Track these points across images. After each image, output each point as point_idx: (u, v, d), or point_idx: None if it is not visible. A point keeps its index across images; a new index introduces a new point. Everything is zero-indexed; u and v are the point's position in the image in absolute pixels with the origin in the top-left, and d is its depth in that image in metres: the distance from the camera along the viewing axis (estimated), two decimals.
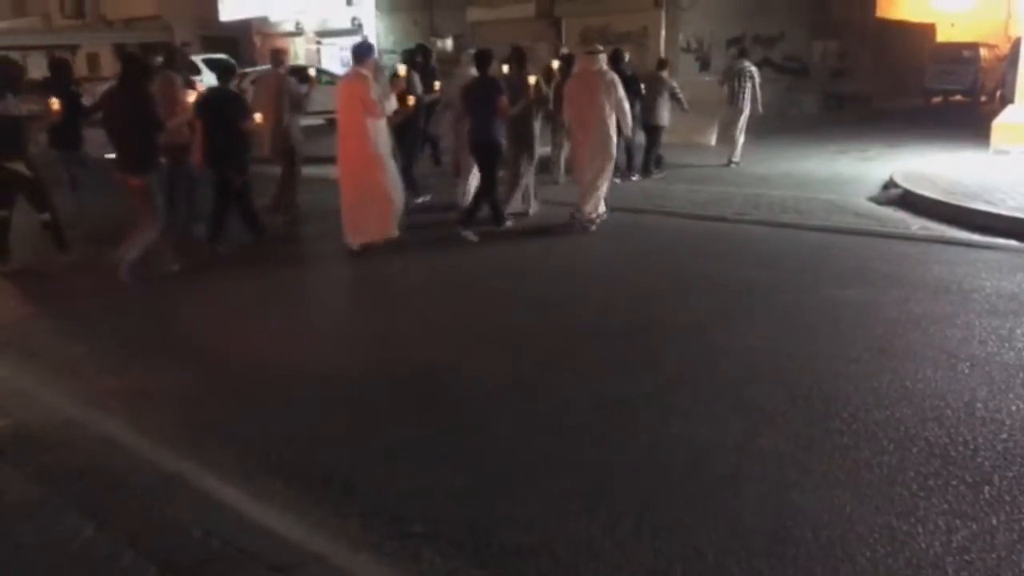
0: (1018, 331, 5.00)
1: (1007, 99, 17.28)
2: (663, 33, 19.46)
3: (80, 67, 36.63)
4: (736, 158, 12.48)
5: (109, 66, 33.10)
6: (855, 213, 8.63)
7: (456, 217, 8.37)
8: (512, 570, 2.82)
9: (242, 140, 7.59)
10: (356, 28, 27.27)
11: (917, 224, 8.11)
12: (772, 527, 3.02)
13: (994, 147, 12.67)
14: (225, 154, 7.49)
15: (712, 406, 4.06)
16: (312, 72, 10.51)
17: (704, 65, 20.04)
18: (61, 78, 8.84)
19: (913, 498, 3.19)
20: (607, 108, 7.96)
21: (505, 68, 9.08)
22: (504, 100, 7.99)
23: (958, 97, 27.31)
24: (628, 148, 10.67)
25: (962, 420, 3.83)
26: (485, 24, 23.04)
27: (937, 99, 27.43)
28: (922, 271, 6.44)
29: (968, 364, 4.51)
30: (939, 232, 7.74)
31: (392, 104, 7.69)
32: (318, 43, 29.04)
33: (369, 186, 7.41)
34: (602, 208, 8.41)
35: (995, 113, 16.88)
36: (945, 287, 5.99)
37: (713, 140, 14.27)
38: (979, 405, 3.99)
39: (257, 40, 31.29)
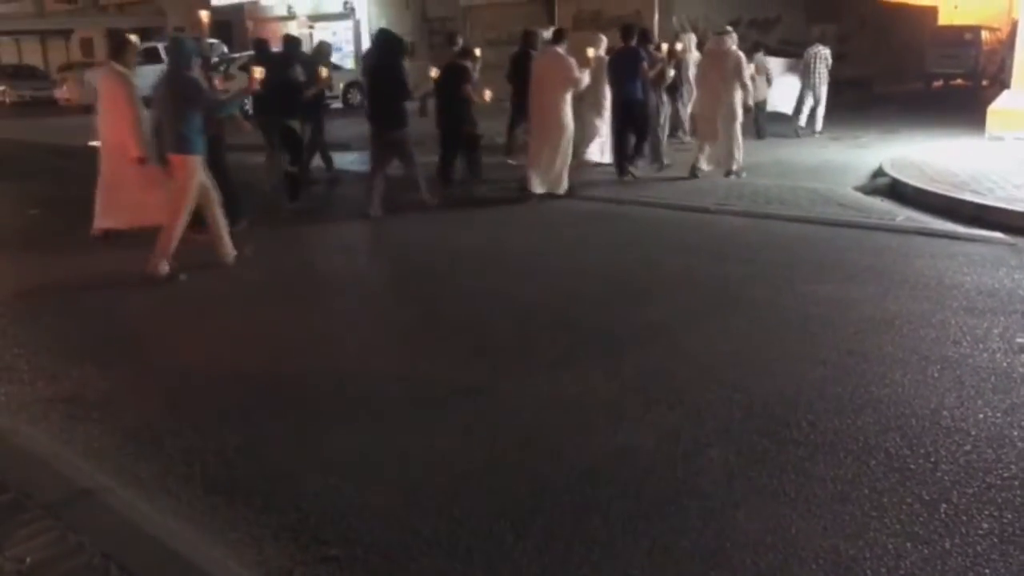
0: (994, 331, 4.79)
1: (1005, 84, 16.99)
2: (656, 17, 19.14)
3: (74, 51, 36.48)
4: (818, 127, 14.14)
5: (103, 50, 32.85)
6: (839, 203, 8.41)
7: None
8: None
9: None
10: (348, 12, 26.96)
11: (903, 215, 7.89)
12: (710, 551, 2.82)
13: (989, 133, 12.43)
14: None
15: (665, 414, 3.87)
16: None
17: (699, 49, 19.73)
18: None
19: (865, 518, 2.99)
20: (733, 81, 9.70)
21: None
22: (644, 66, 9.80)
23: (959, 81, 26.96)
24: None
25: (926, 430, 3.63)
26: (478, 8, 22.74)
27: (938, 83, 27.09)
28: (902, 265, 6.23)
29: (939, 367, 4.30)
30: (924, 223, 7.52)
31: (587, 77, 9.19)
32: (310, 27, 28.71)
33: (552, 147, 9.01)
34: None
35: (994, 97, 16.61)
36: (924, 282, 5.78)
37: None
38: (945, 413, 3.79)
39: (250, 24, 30.96)
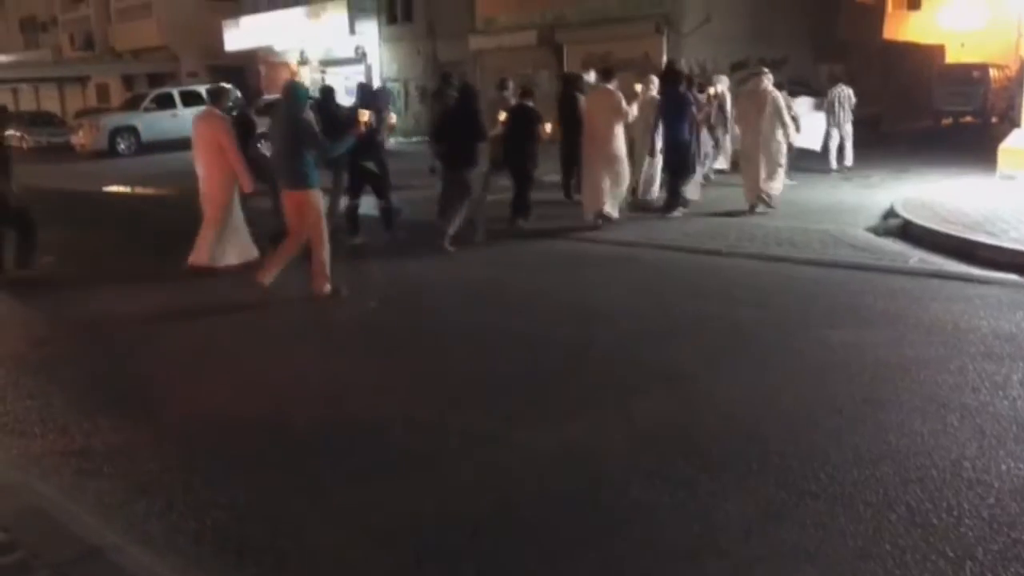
0: (1014, 377, 4.72)
1: (1015, 122, 17.01)
2: (664, 59, 19.30)
3: (90, 97, 37.12)
4: (848, 161, 14.53)
5: (118, 95, 33.42)
6: (852, 245, 8.37)
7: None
8: None
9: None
10: (360, 57, 27.35)
11: (916, 257, 7.85)
12: None
13: (1000, 172, 12.41)
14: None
15: (681, 466, 3.81)
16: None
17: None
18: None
19: None
20: (774, 119, 10.22)
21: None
22: (693, 111, 10.47)
23: (968, 118, 26.99)
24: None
25: (947, 482, 3.57)
26: (487, 52, 23.04)
27: (947, 120, 27.13)
28: (917, 309, 6.17)
29: (958, 415, 4.24)
30: (937, 265, 7.47)
31: (635, 110, 9.98)
32: (322, 72, 29.11)
33: (612, 174, 9.67)
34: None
35: (1004, 135, 16.62)
36: (940, 327, 5.72)
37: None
38: (967, 464, 3.72)
39: (262, 69, 31.45)
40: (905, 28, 38.48)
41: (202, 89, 26.63)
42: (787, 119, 10.44)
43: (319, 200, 7.08)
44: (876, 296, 6.55)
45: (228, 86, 8.54)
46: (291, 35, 28.66)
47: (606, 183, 9.74)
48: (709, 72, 20.39)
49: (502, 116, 10.01)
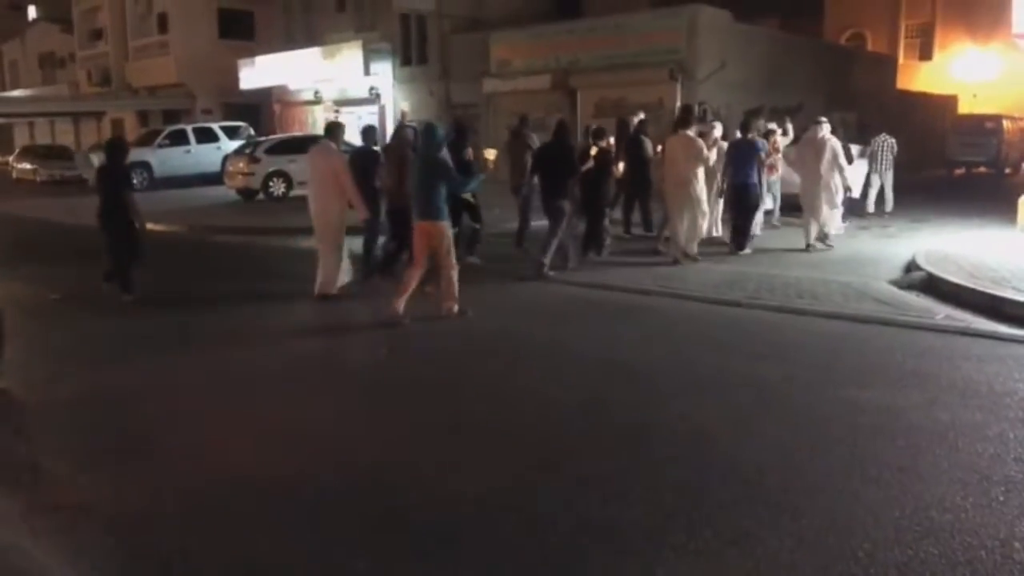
0: None
1: None
2: (678, 105, 19.29)
3: (105, 132, 37.37)
4: (888, 207, 15.15)
5: (133, 131, 33.65)
6: (875, 299, 8.15)
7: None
8: None
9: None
10: (374, 98, 27.47)
11: (942, 312, 7.62)
12: None
13: (1021, 225, 12.22)
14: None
15: (709, 540, 3.57)
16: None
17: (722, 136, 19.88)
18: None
19: None
20: (832, 165, 11.09)
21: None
22: (762, 156, 11.18)
23: (981, 169, 26.92)
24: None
25: (999, 566, 3.32)
26: (501, 95, 23.08)
27: (960, 171, 27.07)
28: (948, 369, 5.94)
29: (1003, 489, 3.99)
30: (965, 322, 7.24)
31: (714, 155, 10.72)
32: (336, 112, 29.24)
33: (692, 215, 10.24)
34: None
35: (1019, 185, 16.51)
36: (974, 389, 5.48)
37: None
38: (1017, 545, 3.47)
39: (277, 108, 31.64)
40: (918, 78, 38.64)
41: (215, 126, 26.85)
42: (844, 164, 11.38)
43: (449, 230, 7.75)
44: (904, 354, 6.32)
45: (342, 120, 9.91)
46: (306, 75, 28.84)
47: (686, 224, 10.31)
48: (723, 119, 20.45)
49: (593, 150, 10.48)
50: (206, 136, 25.82)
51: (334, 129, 9.24)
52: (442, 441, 4.91)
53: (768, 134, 12.58)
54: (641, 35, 20.68)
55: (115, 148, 9.10)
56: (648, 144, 12.23)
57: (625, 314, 8.10)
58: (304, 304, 8.73)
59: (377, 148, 10.11)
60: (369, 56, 26.80)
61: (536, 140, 11.54)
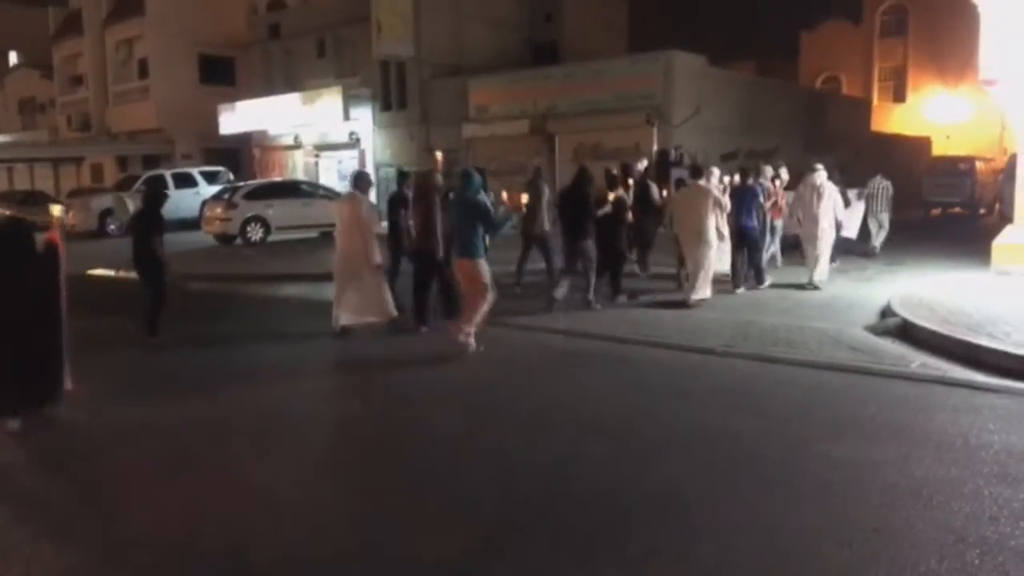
0: None
1: (1006, 215, 17.08)
2: (655, 149, 19.44)
3: (84, 177, 37.27)
4: (877, 245, 15.58)
5: (113, 176, 33.56)
6: (850, 346, 8.10)
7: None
8: None
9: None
10: (354, 142, 27.56)
11: (917, 360, 7.56)
12: None
13: (995, 268, 12.28)
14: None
15: None
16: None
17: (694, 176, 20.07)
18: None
19: None
20: (830, 209, 11.81)
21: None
22: (761, 200, 12.01)
23: (957, 209, 27.23)
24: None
25: None
26: (480, 140, 23.20)
27: (936, 211, 27.34)
28: (923, 420, 5.86)
29: (978, 552, 3.89)
30: (941, 371, 7.18)
31: (726, 201, 11.04)
32: (316, 156, 29.32)
33: (707, 260, 10.66)
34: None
35: (993, 227, 16.70)
36: (949, 442, 5.40)
37: None
38: None
39: (256, 152, 31.68)
40: (892, 120, 39.31)
41: (194, 171, 26.78)
42: (841, 209, 12.26)
43: (486, 266, 8.33)
44: (879, 405, 6.24)
45: (368, 170, 9.70)
46: (286, 120, 28.94)
47: (696, 267, 10.72)
48: (700, 162, 20.60)
49: (611, 196, 10.98)
50: (185, 181, 25.70)
51: (360, 178, 9.83)
52: (407, 500, 4.75)
53: (774, 179, 13.15)
54: (618, 81, 20.91)
55: (155, 196, 9.50)
56: (655, 189, 12.78)
57: (599, 363, 7.99)
58: (283, 347, 8.58)
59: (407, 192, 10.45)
60: (349, 101, 26.96)
61: (548, 190, 11.89)
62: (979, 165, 28.02)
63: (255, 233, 20.57)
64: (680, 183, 13.27)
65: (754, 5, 43.28)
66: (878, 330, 8.82)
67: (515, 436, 5.88)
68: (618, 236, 11.03)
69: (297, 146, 29.80)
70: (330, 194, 23.27)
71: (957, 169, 27.10)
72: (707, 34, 33.60)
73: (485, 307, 8.32)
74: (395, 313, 9.42)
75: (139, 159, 34.71)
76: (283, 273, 14.91)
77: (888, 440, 5.49)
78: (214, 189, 24.07)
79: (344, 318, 9.29)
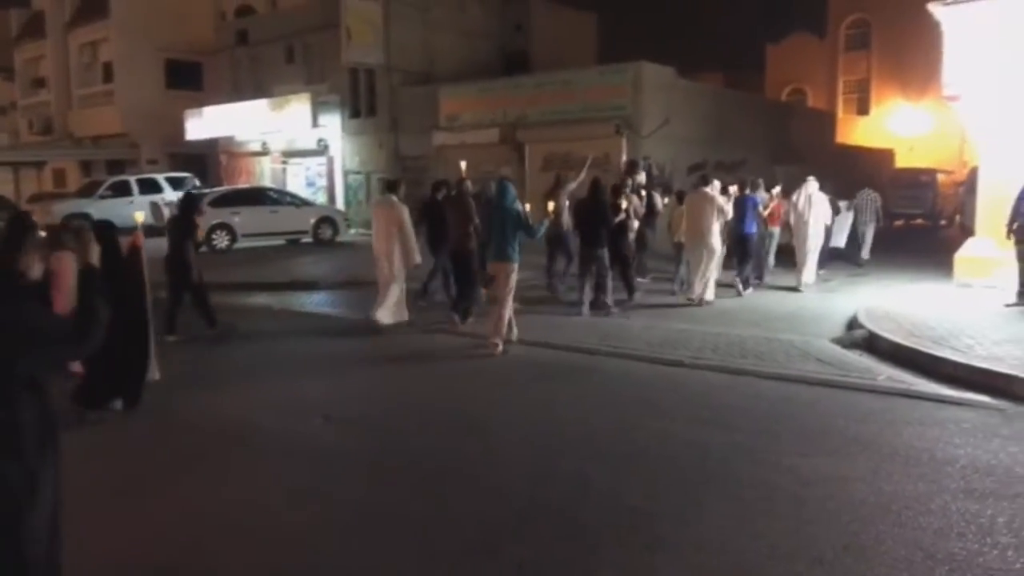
0: (999, 520, 4.43)
1: (967, 227, 17.41)
2: (624, 159, 19.49)
3: (46, 182, 36.54)
4: (865, 255, 16.26)
5: (76, 181, 32.94)
6: (817, 359, 8.17)
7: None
8: None
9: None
10: (322, 149, 27.34)
11: (884, 373, 7.64)
12: None
13: (957, 280, 12.48)
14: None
15: None
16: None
17: (666, 190, 20.12)
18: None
19: None
20: (821, 219, 13.35)
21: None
22: (760, 209, 13.00)
23: (919, 220, 27.70)
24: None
25: None
26: (450, 148, 23.11)
27: (899, 222, 27.79)
28: (890, 435, 5.91)
29: (947, 568, 3.91)
30: (906, 384, 7.26)
31: (729, 209, 11.86)
32: (284, 163, 29.04)
33: (711, 263, 11.64)
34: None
35: (955, 238, 17.06)
36: (916, 456, 5.45)
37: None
38: None
39: (223, 158, 31.30)
40: (856, 132, 39.91)
41: (160, 177, 26.36)
42: (830, 218, 13.50)
43: (515, 272, 8.93)
44: (847, 418, 6.28)
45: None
46: (254, 126, 28.61)
47: (701, 269, 11.55)
48: (667, 173, 20.74)
49: (625, 204, 11.64)
50: (150, 187, 25.27)
51: (396, 185, 10.62)
52: (371, 523, 4.67)
53: (770, 189, 14.13)
54: (587, 91, 20.96)
55: (189, 204, 10.13)
56: (657, 198, 13.69)
57: (570, 376, 7.95)
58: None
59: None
60: (318, 108, 26.73)
61: (565, 199, 12.12)
62: (940, 177, 28.56)
63: (221, 240, 20.28)
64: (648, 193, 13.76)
65: (721, 18, 43.77)
66: (845, 342, 8.91)
67: (484, 453, 5.81)
68: (624, 241, 11.59)
69: (264, 152, 29.46)
70: (297, 201, 23.09)
71: (919, 181, 27.61)
72: (675, 45, 33.97)
73: (508, 313, 8.91)
74: (407, 317, 10.27)
75: (103, 164, 34.05)
76: (250, 282, 14.70)
77: (857, 455, 5.52)
78: (179, 195, 23.72)
79: (382, 315, 10.01)
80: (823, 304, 11.63)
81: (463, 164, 11.98)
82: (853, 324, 9.68)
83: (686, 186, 16.10)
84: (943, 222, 27.80)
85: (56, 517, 2.83)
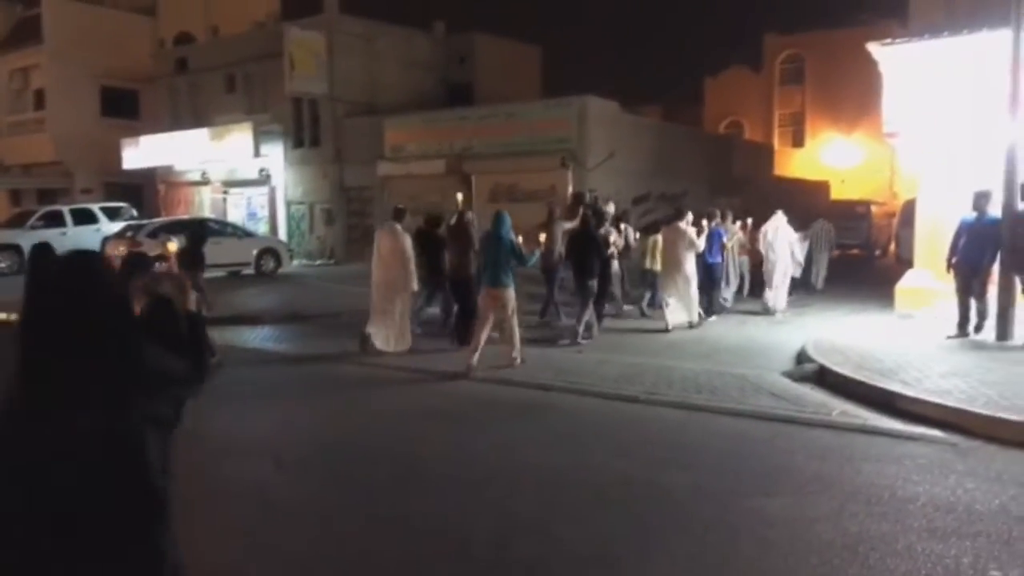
0: (964, 560, 4.43)
1: (903, 257, 17.91)
2: (569, 190, 19.62)
3: None
4: (819, 285, 17.06)
5: (4, 211, 31.82)
6: (771, 393, 8.19)
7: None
8: None
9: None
10: (264, 179, 26.95)
11: (838, 408, 7.67)
12: None
13: (899, 311, 12.76)
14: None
15: None
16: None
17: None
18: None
19: None
20: (788, 250, 14.12)
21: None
22: (724, 240, 13.66)
23: (855, 251, 28.43)
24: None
25: None
26: (395, 178, 23.02)
27: (836, 253, 28.47)
28: (850, 472, 5.92)
29: None
30: (861, 419, 7.29)
31: (702, 242, 12.58)
32: (225, 193, 28.54)
33: (687, 293, 12.37)
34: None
35: (890, 268, 17.55)
36: (877, 495, 5.45)
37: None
38: None
39: (162, 188, 30.64)
40: (792, 164, 40.97)
41: (95, 207, 25.59)
42: (798, 251, 14.40)
43: (513, 296, 9.45)
44: (807, 456, 6.28)
45: (403, 206, 11.44)
46: (193, 155, 28.10)
47: (677, 299, 12.25)
48: (616, 204, 20.90)
49: (614, 238, 12.40)
50: (84, 217, 24.49)
51: (401, 213, 10.92)
52: (324, 569, 4.48)
53: (736, 220, 15.02)
54: (532, 123, 21.12)
55: (198, 236, 10.81)
56: (630, 231, 14.14)
57: (527, 413, 7.84)
58: None
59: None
60: (260, 138, 26.37)
61: (561, 231, 12.33)
62: (874, 209, 29.40)
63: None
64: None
65: (660, 50, 44.65)
66: (796, 376, 8.98)
67: (439, 496, 5.64)
68: (609, 273, 12.22)
69: (205, 182, 28.93)
70: (239, 232, 22.61)
71: (855, 212, 28.36)
72: (616, 78, 34.44)
73: (518, 328, 9.60)
74: (409, 345, 10.50)
75: (34, 193, 33.04)
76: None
77: (819, 494, 5.50)
78: (117, 226, 23.08)
79: (377, 342, 10.33)
80: (770, 336, 11.76)
81: (459, 196, 12.62)
82: (802, 357, 9.77)
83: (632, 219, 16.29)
84: (878, 252, 28.58)
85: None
